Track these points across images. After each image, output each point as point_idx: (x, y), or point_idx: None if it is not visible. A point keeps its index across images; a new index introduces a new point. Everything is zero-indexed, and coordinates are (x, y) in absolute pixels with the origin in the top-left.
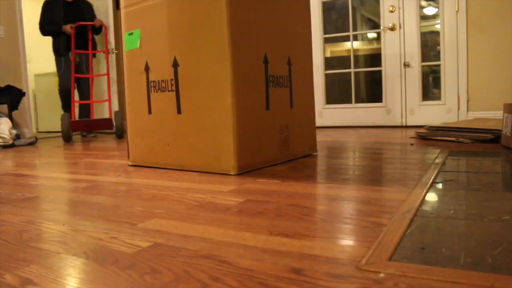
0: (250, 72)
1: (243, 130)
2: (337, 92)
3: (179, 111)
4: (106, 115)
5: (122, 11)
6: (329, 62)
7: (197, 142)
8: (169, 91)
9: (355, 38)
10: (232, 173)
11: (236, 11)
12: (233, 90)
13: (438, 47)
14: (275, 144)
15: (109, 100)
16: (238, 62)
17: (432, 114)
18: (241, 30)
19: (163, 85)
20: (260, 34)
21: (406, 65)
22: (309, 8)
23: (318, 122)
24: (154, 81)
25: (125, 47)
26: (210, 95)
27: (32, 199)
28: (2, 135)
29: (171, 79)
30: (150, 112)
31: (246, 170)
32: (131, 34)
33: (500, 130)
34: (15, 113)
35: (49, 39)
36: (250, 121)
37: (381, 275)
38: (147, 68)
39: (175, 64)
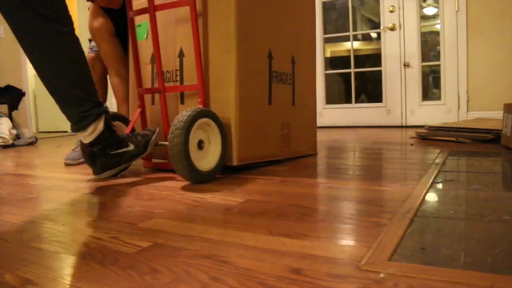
0: (254, 65)
1: (244, 121)
2: (337, 92)
3: (182, 102)
4: None
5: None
6: (329, 62)
7: None
8: (173, 81)
9: (355, 38)
10: (231, 164)
11: (243, 4)
12: (236, 81)
13: (438, 47)
14: (276, 140)
15: None
16: (243, 55)
17: (432, 114)
18: (247, 23)
19: (168, 75)
20: (266, 30)
21: (406, 65)
22: (315, 9)
23: (318, 122)
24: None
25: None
26: (214, 86)
27: (32, 199)
28: (2, 135)
29: (176, 70)
30: (153, 103)
31: (246, 162)
32: (138, 26)
33: (500, 130)
34: (15, 113)
35: None
36: (252, 113)
37: (381, 275)
38: (153, 59)
39: (181, 55)
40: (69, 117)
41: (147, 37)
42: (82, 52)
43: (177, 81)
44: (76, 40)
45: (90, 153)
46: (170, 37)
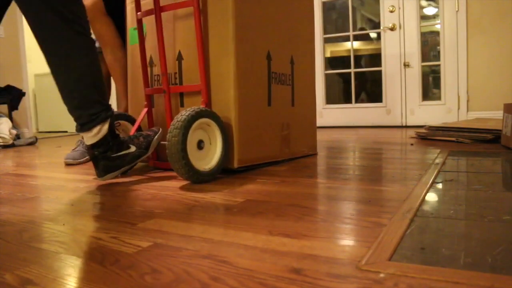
0: (253, 67)
1: (244, 124)
2: (337, 92)
3: (182, 104)
4: None
5: (128, 6)
6: (329, 62)
7: None
8: (172, 84)
9: (355, 38)
10: (232, 167)
11: (241, 6)
12: (235, 83)
13: (438, 47)
14: (276, 141)
15: None
16: (241, 56)
17: (432, 114)
18: (245, 25)
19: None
20: (264, 31)
21: (406, 65)
22: (313, 9)
23: (318, 122)
24: (158, 75)
25: (129, 42)
26: (213, 88)
27: (32, 199)
28: (2, 135)
29: (175, 73)
30: (153, 106)
31: (246, 164)
32: (136, 29)
33: (500, 130)
34: (15, 113)
35: None
36: (251, 115)
37: (381, 275)
38: (151, 62)
39: (180, 58)
40: (76, 118)
41: (145, 39)
42: (97, 54)
43: (176, 83)
44: (92, 41)
45: (92, 155)
46: (169, 40)
